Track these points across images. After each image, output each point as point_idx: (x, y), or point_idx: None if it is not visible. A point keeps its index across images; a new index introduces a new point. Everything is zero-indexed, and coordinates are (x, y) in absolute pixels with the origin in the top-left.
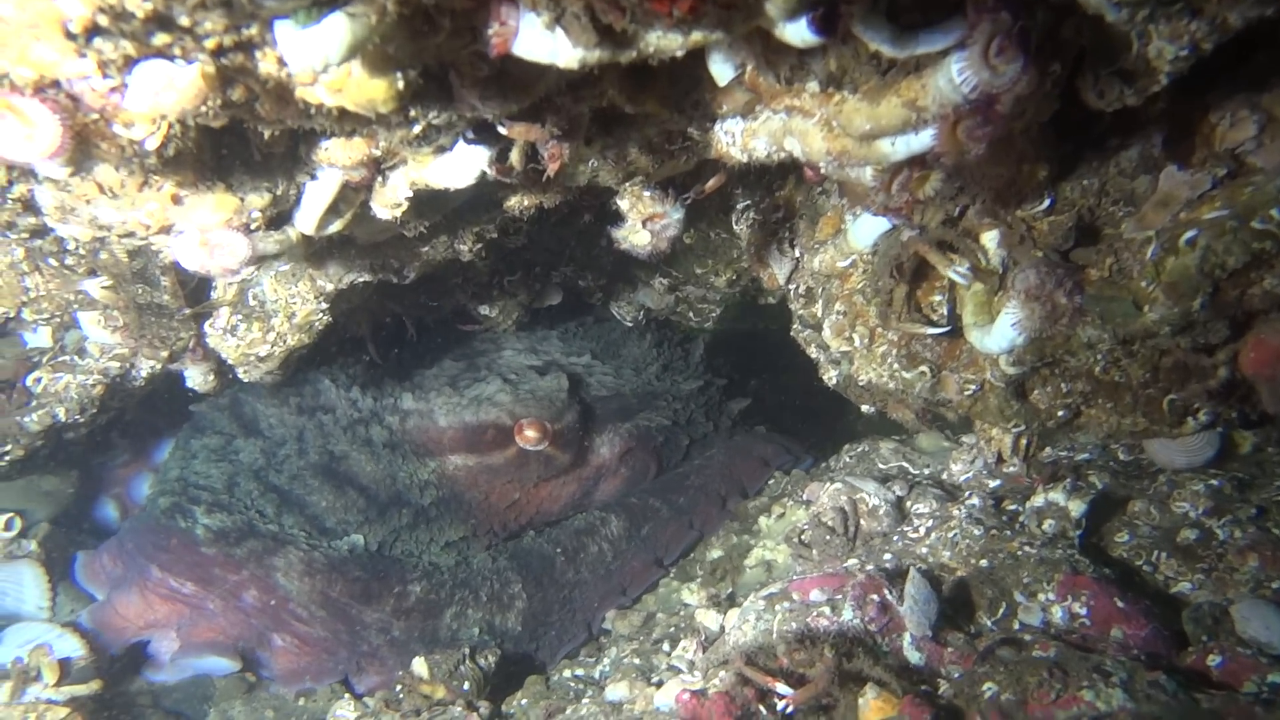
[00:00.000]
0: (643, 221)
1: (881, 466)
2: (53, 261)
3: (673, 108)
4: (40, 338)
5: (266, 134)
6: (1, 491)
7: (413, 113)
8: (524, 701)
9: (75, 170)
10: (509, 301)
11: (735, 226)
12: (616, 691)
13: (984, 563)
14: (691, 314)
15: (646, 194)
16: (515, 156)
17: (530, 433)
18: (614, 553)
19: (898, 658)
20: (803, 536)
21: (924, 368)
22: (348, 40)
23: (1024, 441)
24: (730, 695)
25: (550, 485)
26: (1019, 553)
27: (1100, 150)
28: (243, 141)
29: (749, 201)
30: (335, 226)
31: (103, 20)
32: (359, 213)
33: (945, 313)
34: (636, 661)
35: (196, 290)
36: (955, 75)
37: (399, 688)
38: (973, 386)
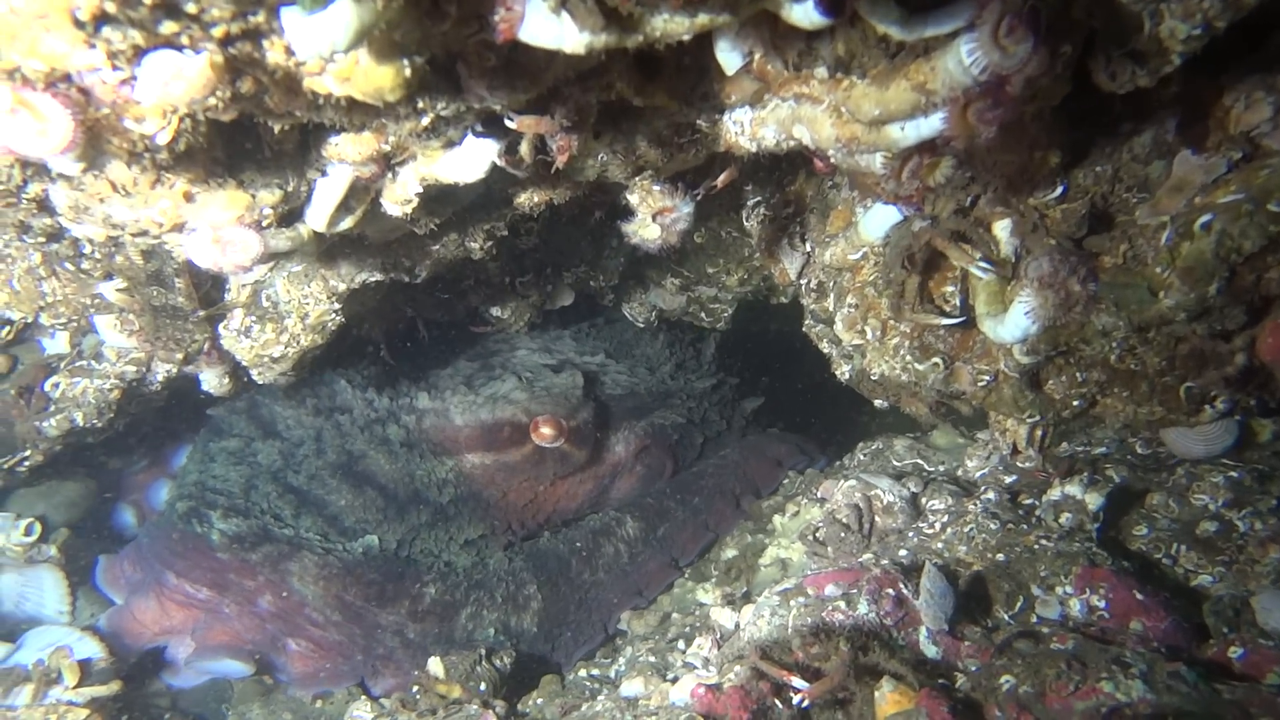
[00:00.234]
0: (653, 216)
1: (896, 464)
2: (69, 266)
3: (681, 100)
4: (58, 343)
5: (277, 128)
6: (22, 497)
7: (421, 104)
8: (539, 700)
9: (88, 166)
10: (521, 303)
11: (746, 223)
12: (631, 687)
13: (1000, 556)
14: (703, 314)
15: (656, 188)
16: (524, 149)
17: (546, 429)
18: (630, 554)
19: (914, 652)
20: (817, 534)
21: (937, 359)
22: (354, 25)
23: (1039, 432)
24: (745, 689)
25: (567, 483)
26: (1036, 546)
27: (1113, 136)
28: (253, 138)
29: (760, 197)
30: (346, 224)
31: (110, 7)
32: (370, 210)
33: (958, 303)
34: (652, 659)
35: (210, 292)
36: (965, 57)
37: (415, 688)
38: (986, 377)
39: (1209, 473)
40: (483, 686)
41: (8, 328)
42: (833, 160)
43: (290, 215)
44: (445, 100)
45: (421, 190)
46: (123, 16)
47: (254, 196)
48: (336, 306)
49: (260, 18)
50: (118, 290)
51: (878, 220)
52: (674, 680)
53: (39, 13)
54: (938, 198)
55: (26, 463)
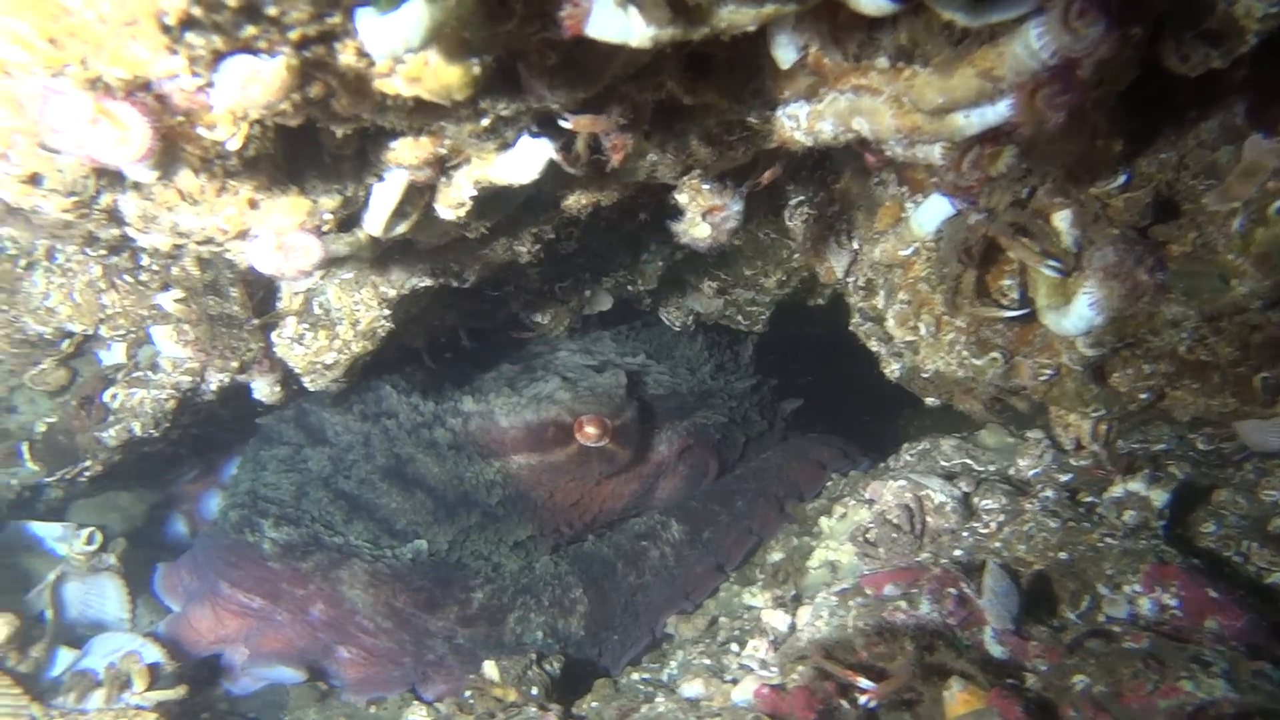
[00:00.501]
0: (702, 214)
1: (944, 464)
2: (128, 278)
3: (731, 97)
4: (115, 354)
5: (339, 133)
6: (81, 507)
7: (482, 104)
8: (595, 704)
9: (162, 175)
10: (560, 308)
11: (789, 222)
12: (692, 689)
13: (1063, 555)
14: (740, 317)
15: (705, 187)
16: (580, 147)
17: (590, 429)
18: (675, 557)
19: (979, 651)
20: (868, 535)
21: (995, 354)
22: (427, 24)
23: (1104, 427)
24: (810, 689)
25: (612, 483)
26: (1100, 544)
27: (1177, 122)
28: (313, 144)
29: (802, 196)
30: (401, 228)
31: (196, 11)
32: (423, 214)
33: (1016, 296)
34: (707, 662)
35: (262, 302)
36: (1034, 41)
37: (468, 692)
38: (1048, 371)
39: (1279, 467)
40: (534, 690)
41: (68, 340)
42: (891, 152)
43: (349, 220)
44: (505, 100)
45: (475, 193)
46: (206, 21)
47: (315, 202)
48: (387, 313)
49: (336, 19)
50: (175, 301)
51: (930, 215)
52: (734, 682)
53: (126, 19)
54: (994, 190)
55: (87, 473)
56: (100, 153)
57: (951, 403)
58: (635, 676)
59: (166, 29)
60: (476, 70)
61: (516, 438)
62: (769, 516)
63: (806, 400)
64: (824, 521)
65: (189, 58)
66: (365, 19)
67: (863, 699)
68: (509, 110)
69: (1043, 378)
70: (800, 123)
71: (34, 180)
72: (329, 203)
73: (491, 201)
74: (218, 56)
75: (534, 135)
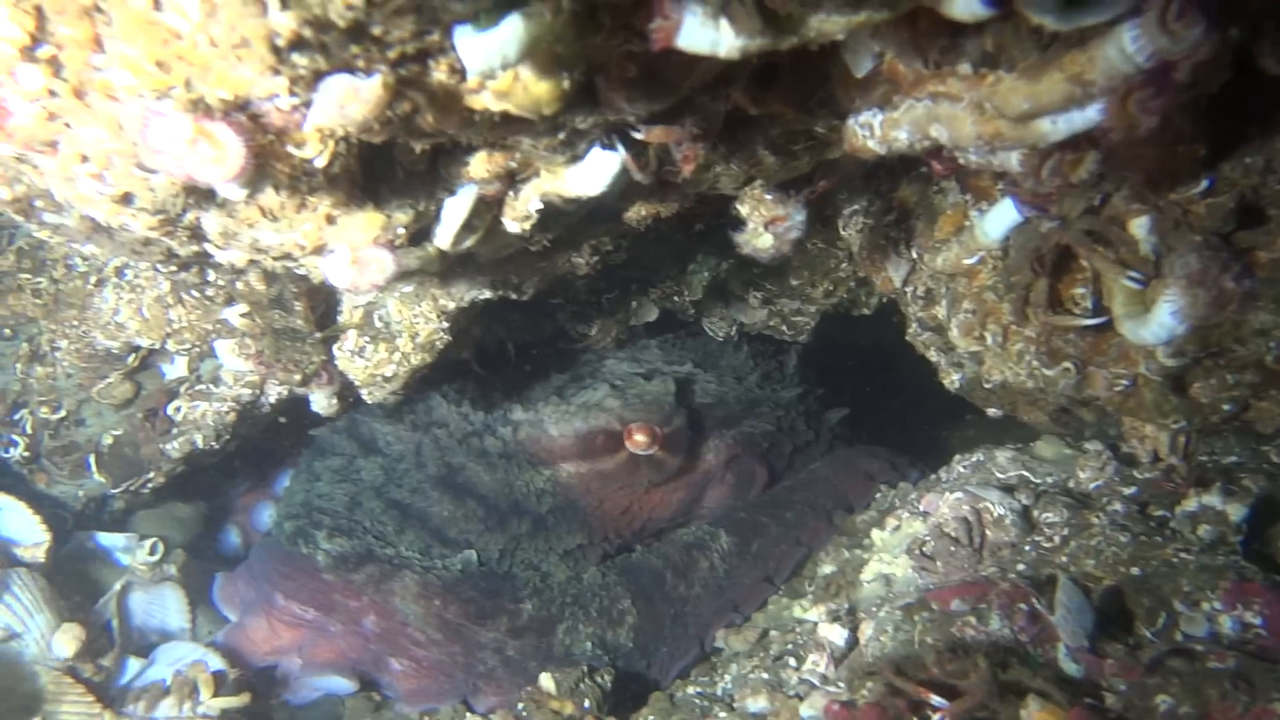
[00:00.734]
0: (765, 224)
1: (1000, 475)
2: (195, 293)
3: (798, 107)
4: (177, 368)
5: (418, 148)
6: (142, 518)
7: (561, 118)
8: (651, 718)
9: (250, 192)
10: (608, 320)
11: (843, 232)
12: (757, 703)
13: (1135, 571)
14: (785, 327)
15: (768, 197)
16: (650, 158)
17: (640, 437)
18: (725, 568)
19: (1053, 669)
20: (924, 548)
21: (1068, 364)
22: (525, 39)
23: (1183, 439)
24: (881, 706)
25: (661, 491)
26: (1175, 560)
27: (1265, 125)
28: (387, 160)
29: (857, 205)
30: (469, 242)
31: (306, 32)
32: (490, 227)
33: (1090, 305)
34: (764, 676)
35: (324, 316)
36: (1129, 44)
37: (521, 705)
38: (1124, 381)
39: None
40: (587, 704)
41: (134, 355)
42: (966, 160)
43: (419, 235)
44: (583, 114)
45: (541, 206)
46: (314, 41)
47: (389, 217)
48: (445, 325)
49: (435, 37)
50: (241, 315)
51: (997, 222)
52: (799, 697)
53: (237, 42)
54: (1066, 197)
55: (150, 484)
56: (198, 171)
57: (1014, 413)
58: (690, 690)
59: (276, 50)
60: (566, 84)
61: (566, 446)
62: (818, 528)
63: (852, 410)
64: (876, 534)
65: (291, 78)
66: (463, 36)
67: (936, 717)
68: (585, 123)
69: (1118, 388)
70: (874, 131)
71: (126, 199)
72: (402, 217)
73: (555, 214)
74: (318, 76)
75: (605, 147)
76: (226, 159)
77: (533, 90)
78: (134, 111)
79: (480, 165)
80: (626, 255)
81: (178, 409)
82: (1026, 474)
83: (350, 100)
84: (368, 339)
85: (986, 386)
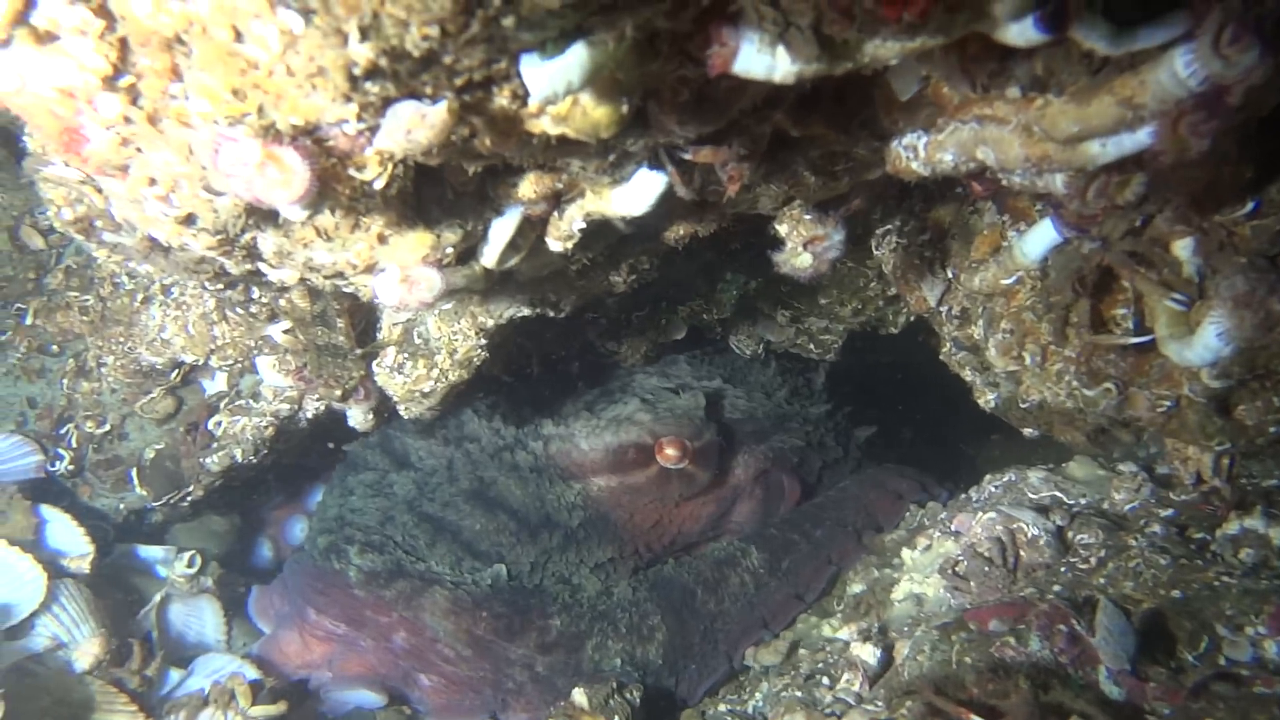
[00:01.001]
0: (804, 244)
1: (1032, 496)
2: (239, 310)
3: (840, 129)
4: (217, 383)
5: (470, 170)
6: (180, 531)
7: (613, 140)
8: None
9: (312, 213)
10: (637, 338)
11: (876, 251)
12: None
13: (1176, 593)
14: (812, 345)
15: (807, 217)
16: (694, 176)
17: (670, 451)
18: (755, 585)
19: (1095, 692)
20: (957, 568)
21: (1109, 384)
22: (589, 67)
23: (1226, 461)
24: None
25: (691, 505)
26: (1216, 583)
27: None
28: (437, 181)
29: (890, 226)
30: (514, 261)
31: (382, 61)
32: (533, 246)
33: (1131, 326)
34: (797, 694)
35: (364, 332)
36: (1182, 69)
37: None
38: (1167, 403)
39: None
40: (617, 719)
41: (177, 370)
42: (1010, 181)
43: (466, 254)
44: (634, 136)
45: (585, 226)
46: (388, 70)
47: (439, 237)
48: (483, 342)
49: (502, 64)
50: (284, 332)
51: (1036, 243)
52: (835, 715)
53: (313, 71)
54: (1108, 218)
55: (189, 498)
56: (265, 194)
57: (1051, 433)
58: (721, 708)
59: (352, 79)
60: (625, 109)
61: (596, 460)
62: (847, 547)
63: (879, 428)
64: (906, 553)
65: (361, 104)
66: (529, 64)
67: None
68: (636, 145)
69: (1161, 409)
70: (919, 153)
71: (189, 220)
72: (451, 237)
73: (596, 234)
74: (386, 103)
75: (652, 167)
76: (293, 182)
77: (592, 115)
78: (205, 137)
79: (529, 186)
80: (658, 273)
81: (218, 424)
82: (1059, 495)
83: (417, 125)
84: (407, 355)
85: (1023, 406)
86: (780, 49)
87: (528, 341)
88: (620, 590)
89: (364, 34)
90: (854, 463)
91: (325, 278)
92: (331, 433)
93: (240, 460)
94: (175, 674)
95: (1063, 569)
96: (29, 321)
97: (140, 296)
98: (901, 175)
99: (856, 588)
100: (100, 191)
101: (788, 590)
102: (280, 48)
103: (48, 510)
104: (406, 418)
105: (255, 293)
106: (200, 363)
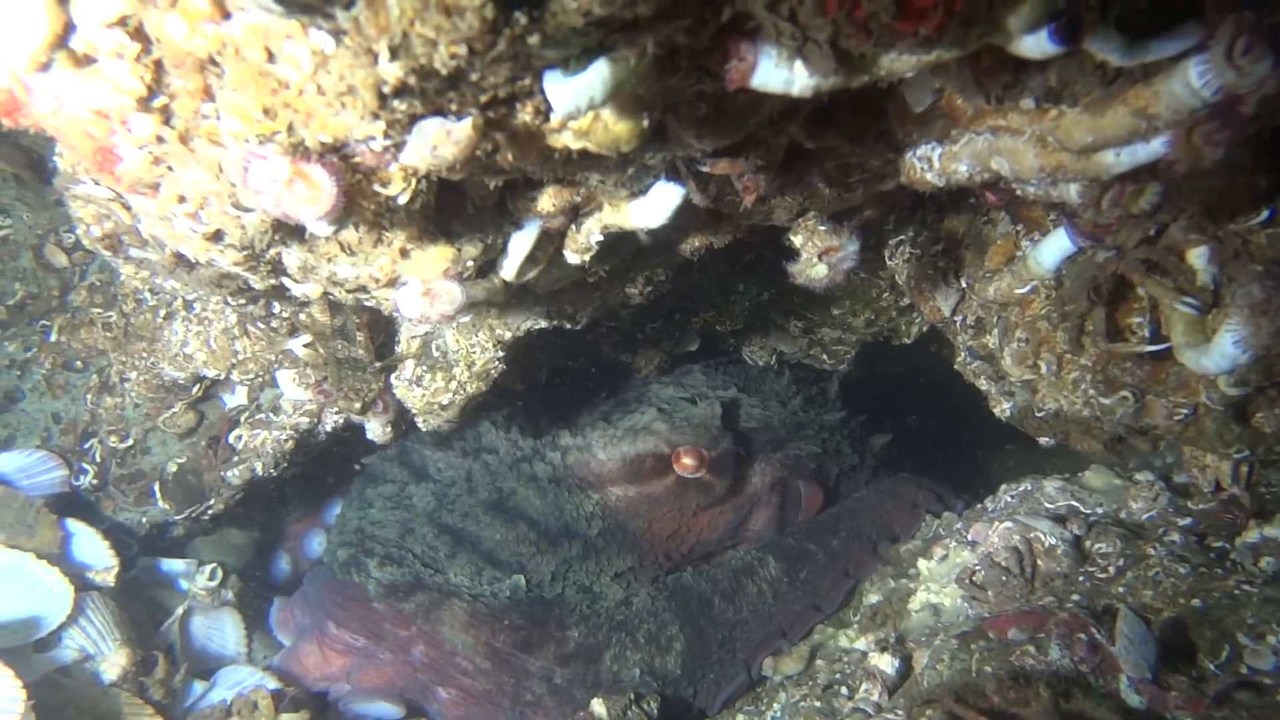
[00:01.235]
0: (819, 255)
1: (1049, 505)
2: (260, 325)
3: (854, 141)
4: (237, 397)
5: (491, 184)
6: (200, 544)
7: (633, 154)
8: None
9: (338, 228)
10: (650, 350)
11: (890, 262)
12: None
13: (1196, 602)
14: (825, 355)
15: (821, 228)
16: (710, 187)
17: (688, 460)
18: (773, 594)
19: (1115, 700)
20: (975, 577)
21: (1125, 392)
22: (611, 83)
23: (1245, 468)
24: None
25: (709, 514)
26: (1237, 592)
27: None
28: (458, 196)
29: (903, 236)
30: (532, 274)
31: (411, 80)
32: (551, 259)
33: (1147, 334)
34: (816, 704)
35: (382, 346)
36: (1195, 79)
37: None
38: (1184, 411)
39: None
40: None
41: (199, 385)
42: (1024, 191)
43: (486, 267)
44: (653, 149)
45: (602, 238)
46: (416, 88)
47: (459, 250)
48: (501, 354)
49: (526, 81)
50: (304, 345)
51: (1050, 252)
52: None
53: (343, 90)
54: (1123, 227)
55: (210, 511)
56: (294, 210)
57: (1067, 442)
58: (739, 719)
59: (382, 97)
60: (645, 124)
61: (614, 470)
62: (863, 558)
63: (894, 437)
64: (922, 563)
65: (389, 121)
66: (553, 81)
67: None
68: (654, 159)
69: (1178, 417)
70: (933, 164)
71: (217, 236)
72: (471, 250)
73: (613, 246)
74: (413, 120)
75: (668, 180)
76: (320, 198)
77: (613, 129)
78: (235, 155)
79: (548, 200)
80: (672, 285)
81: (239, 437)
82: (1076, 504)
83: (442, 141)
84: (425, 368)
85: (1039, 415)
86: (798, 63)
87: (540, 353)
88: (639, 600)
89: (394, 53)
90: (870, 471)
91: (348, 291)
92: (349, 446)
93: (261, 473)
94: (198, 686)
95: (1081, 578)
96: (54, 338)
97: (163, 312)
98: (916, 186)
99: (873, 598)
100: (129, 209)
101: (806, 600)
102: (311, 67)
103: (73, 524)
104: (425, 430)
105: (276, 307)
106: (222, 377)
